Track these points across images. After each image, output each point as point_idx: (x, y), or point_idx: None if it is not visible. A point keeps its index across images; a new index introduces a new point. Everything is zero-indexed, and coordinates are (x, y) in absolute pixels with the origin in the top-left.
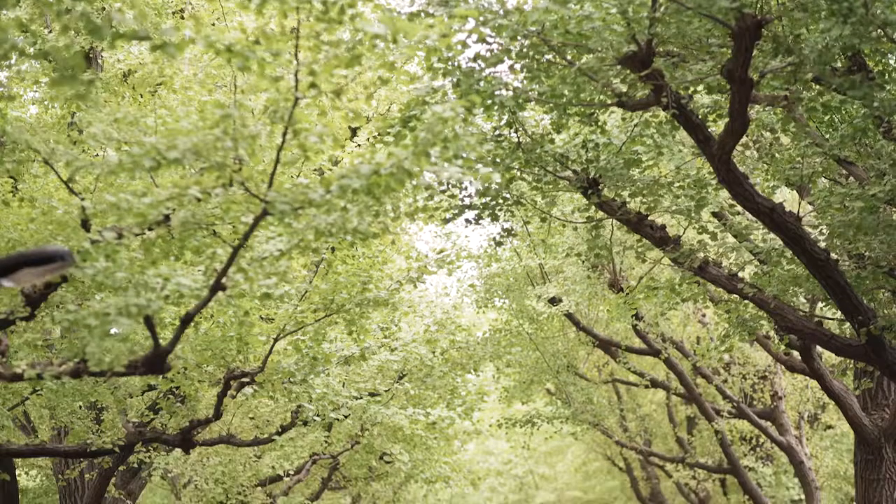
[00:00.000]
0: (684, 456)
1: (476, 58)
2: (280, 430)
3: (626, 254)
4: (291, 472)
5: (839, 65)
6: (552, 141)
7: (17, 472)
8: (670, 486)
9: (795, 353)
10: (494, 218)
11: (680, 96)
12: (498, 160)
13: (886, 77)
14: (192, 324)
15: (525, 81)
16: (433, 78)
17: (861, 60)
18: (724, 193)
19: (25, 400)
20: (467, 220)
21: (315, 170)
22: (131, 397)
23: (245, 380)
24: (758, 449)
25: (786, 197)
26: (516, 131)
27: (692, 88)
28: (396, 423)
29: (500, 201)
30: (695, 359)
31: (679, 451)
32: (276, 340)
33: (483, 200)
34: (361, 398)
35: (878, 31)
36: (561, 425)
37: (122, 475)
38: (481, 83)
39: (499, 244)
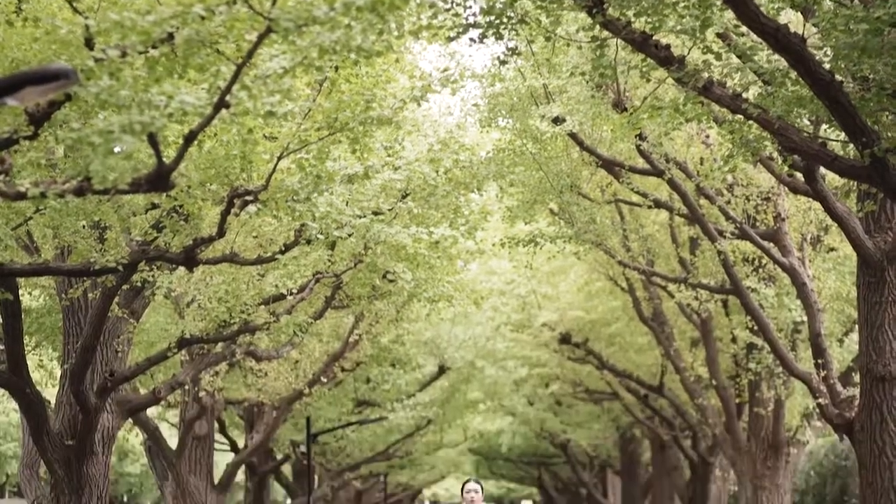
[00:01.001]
0: (686, 276)
1: None
2: (283, 248)
3: (631, 73)
4: (295, 291)
5: None
6: None
7: (21, 292)
8: (672, 307)
9: (799, 175)
10: (499, 37)
11: None
12: None
13: None
14: (196, 142)
15: None
16: None
17: None
18: (730, 14)
19: (29, 219)
20: (471, 39)
21: None
22: (135, 216)
23: (248, 198)
24: (760, 270)
25: (790, 19)
26: None
27: None
28: (400, 241)
29: (505, 20)
30: (698, 179)
31: (681, 272)
32: (279, 159)
33: (487, 19)
34: (365, 217)
35: None
36: (564, 245)
37: (126, 294)
38: None
39: (503, 63)
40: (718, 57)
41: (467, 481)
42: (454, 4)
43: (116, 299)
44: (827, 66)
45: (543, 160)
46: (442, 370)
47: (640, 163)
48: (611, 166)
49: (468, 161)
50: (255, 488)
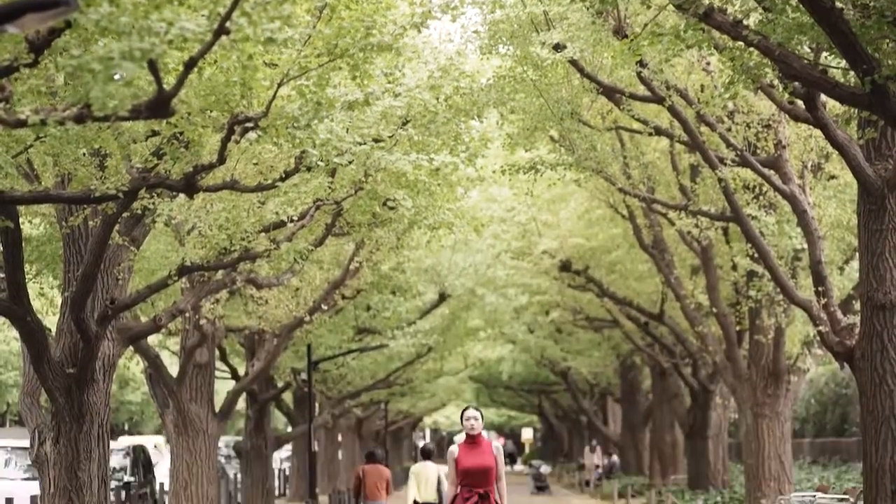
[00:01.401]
0: (687, 203)
1: None
2: (284, 175)
3: (631, 0)
4: (295, 218)
5: None
6: None
7: (21, 220)
8: (673, 234)
9: (799, 102)
10: None
11: None
12: None
13: None
14: (196, 68)
15: None
16: None
17: None
18: None
19: (29, 147)
20: None
21: None
22: (135, 143)
23: (249, 125)
24: (761, 197)
25: None
26: None
27: None
28: (400, 168)
29: None
30: (698, 106)
31: (682, 199)
32: (279, 86)
33: None
34: (365, 144)
35: None
36: (564, 172)
37: (126, 222)
38: None
39: None
40: None
41: (466, 408)
42: None
43: (117, 227)
44: None
45: (544, 87)
46: (442, 298)
47: (641, 90)
48: (611, 93)
49: (468, 88)
50: (255, 416)
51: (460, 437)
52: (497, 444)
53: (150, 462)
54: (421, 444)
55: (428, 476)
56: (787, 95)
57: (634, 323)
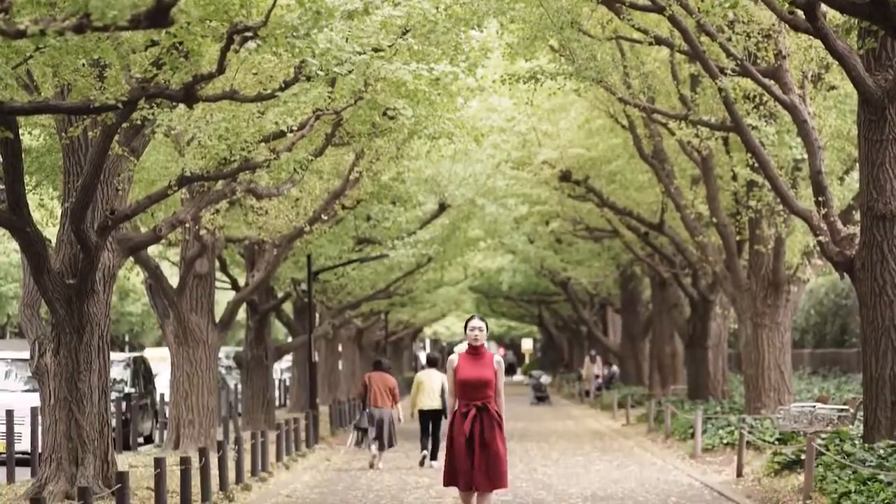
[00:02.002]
0: (687, 113)
1: None
2: (283, 85)
3: None
4: (295, 128)
5: None
6: None
7: (20, 131)
8: (673, 144)
9: (799, 12)
10: None
11: None
12: None
13: None
14: None
15: None
16: None
17: None
18: None
19: (28, 58)
20: None
21: None
22: (134, 53)
23: (248, 34)
24: (761, 107)
25: None
26: None
27: None
28: (400, 78)
29: None
30: (699, 16)
31: (682, 109)
32: None
33: None
34: (365, 53)
35: None
36: (564, 82)
37: (126, 132)
38: None
39: None
40: None
41: (471, 318)
42: None
43: (116, 137)
44: None
45: None
46: (442, 208)
47: None
48: (611, 2)
49: None
50: (255, 326)
51: (461, 347)
52: (499, 357)
53: (150, 373)
54: (421, 354)
55: (432, 384)
56: (787, 5)
57: (634, 233)
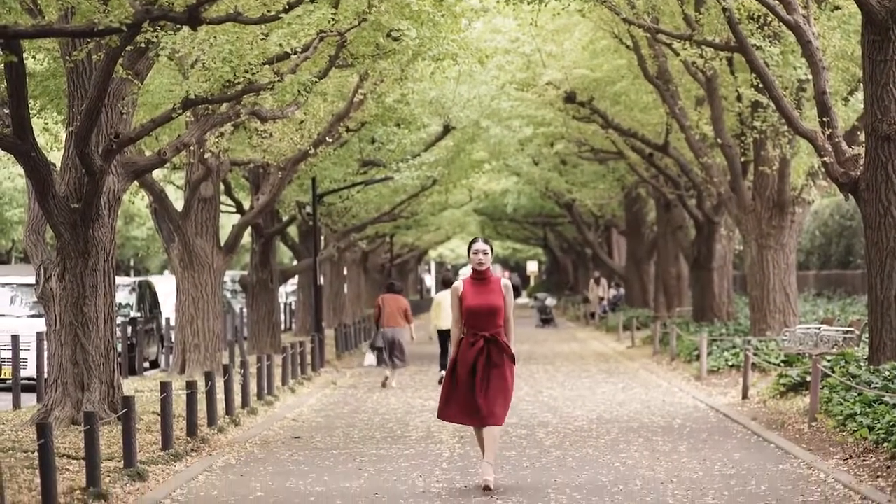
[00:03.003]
0: (692, 34)
1: None
2: (287, 7)
3: None
4: (299, 50)
5: None
6: None
7: (24, 55)
8: (677, 65)
9: None
10: None
11: None
12: None
13: None
14: None
15: None
16: None
17: None
18: None
19: None
20: None
21: None
22: None
23: None
24: (765, 28)
25: None
26: None
27: None
28: None
29: None
30: None
31: (686, 29)
32: None
33: None
34: None
35: None
36: (568, 2)
37: (130, 56)
38: None
39: None
40: None
41: (475, 240)
42: None
43: (120, 61)
44: None
45: None
46: (447, 130)
47: None
48: None
49: None
50: (261, 250)
51: (466, 271)
52: (506, 280)
53: (156, 297)
54: (426, 277)
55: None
56: None
57: (639, 154)
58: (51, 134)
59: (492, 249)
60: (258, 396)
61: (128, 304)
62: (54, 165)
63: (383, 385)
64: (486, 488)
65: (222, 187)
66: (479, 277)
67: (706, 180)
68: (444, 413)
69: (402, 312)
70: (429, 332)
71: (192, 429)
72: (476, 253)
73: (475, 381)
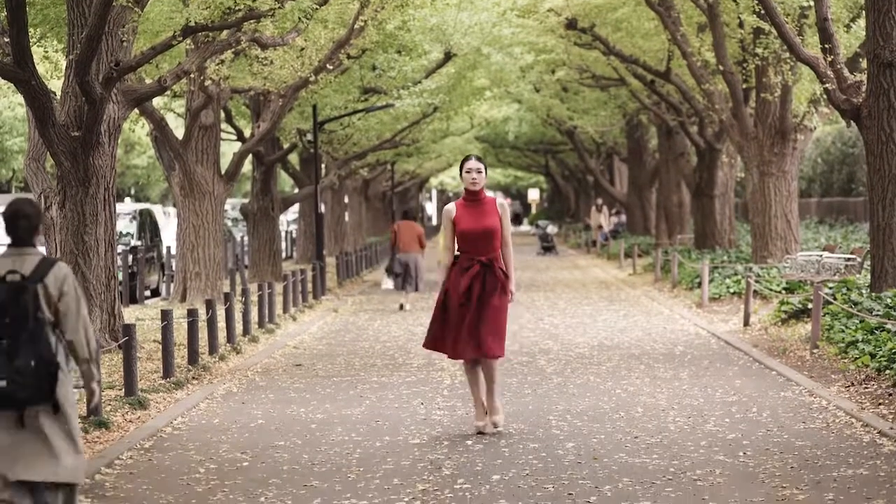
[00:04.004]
0: None
1: None
2: None
3: None
4: None
5: None
6: None
7: None
8: None
9: None
10: None
11: None
12: None
13: None
14: None
15: None
16: None
17: None
18: None
19: None
20: None
21: None
22: None
23: None
24: None
25: None
26: None
27: None
28: None
29: None
30: None
31: None
32: None
33: None
34: None
35: None
36: None
37: None
38: None
39: None
40: None
41: (467, 159)
42: None
43: None
44: None
45: None
46: (448, 57)
47: None
48: None
49: None
50: (261, 178)
51: None
52: (501, 199)
53: (156, 226)
54: (427, 204)
55: None
56: None
57: (641, 81)
58: (51, 62)
59: (486, 168)
60: (259, 324)
61: (128, 233)
62: (54, 94)
63: (400, 308)
64: (480, 433)
65: (223, 115)
66: (473, 198)
67: (708, 107)
68: (432, 343)
69: (417, 238)
70: (437, 258)
71: (193, 357)
72: (469, 171)
73: (468, 311)
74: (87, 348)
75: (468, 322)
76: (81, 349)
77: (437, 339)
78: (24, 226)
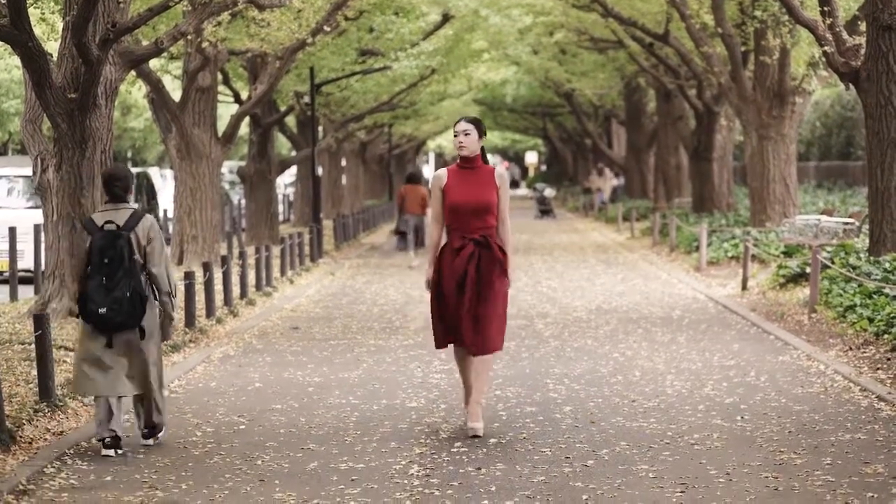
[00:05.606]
0: None
1: None
2: None
3: None
4: None
5: None
6: None
7: None
8: None
9: None
10: None
11: None
12: None
13: None
14: None
15: None
16: None
17: None
18: None
19: None
20: None
21: None
22: None
23: None
24: None
25: None
26: None
27: None
28: None
29: None
30: None
31: None
32: None
33: None
34: None
35: None
36: None
37: None
38: None
39: None
40: None
41: (458, 121)
42: None
43: None
44: None
45: None
46: (446, 18)
47: None
48: None
49: None
50: (259, 140)
51: None
52: (501, 169)
53: (153, 189)
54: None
55: None
56: None
57: (639, 44)
58: (47, 24)
59: (482, 130)
60: (256, 287)
61: None
62: (51, 55)
63: (410, 268)
64: (475, 436)
65: (220, 77)
66: (467, 165)
67: (706, 70)
68: (444, 342)
69: (422, 200)
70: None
71: (190, 320)
72: (457, 135)
73: (464, 300)
74: (169, 282)
75: (465, 311)
76: (163, 283)
77: (446, 335)
78: (119, 185)
